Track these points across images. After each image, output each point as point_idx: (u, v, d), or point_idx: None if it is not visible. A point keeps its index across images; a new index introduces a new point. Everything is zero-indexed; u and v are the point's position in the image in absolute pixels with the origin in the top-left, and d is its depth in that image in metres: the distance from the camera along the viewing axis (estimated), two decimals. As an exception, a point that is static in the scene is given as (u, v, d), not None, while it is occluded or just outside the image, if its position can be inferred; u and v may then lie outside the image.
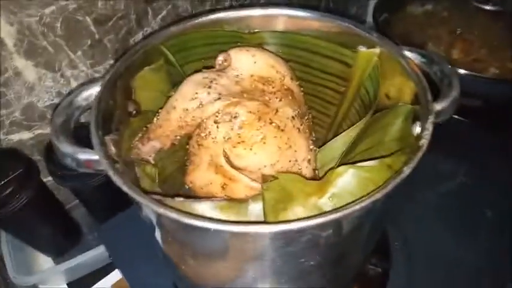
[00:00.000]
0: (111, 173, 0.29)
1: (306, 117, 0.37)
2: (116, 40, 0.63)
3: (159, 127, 0.36)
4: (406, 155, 0.30)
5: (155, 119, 0.36)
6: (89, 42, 0.61)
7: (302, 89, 0.41)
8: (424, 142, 0.29)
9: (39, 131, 0.64)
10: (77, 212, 0.72)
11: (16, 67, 0.57)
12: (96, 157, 0.31)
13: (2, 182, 0.54)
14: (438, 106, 0.33)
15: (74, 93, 0.37)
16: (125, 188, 0.28)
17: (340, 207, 0.25)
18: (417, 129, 0.32)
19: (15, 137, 0.62)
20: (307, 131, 0.37)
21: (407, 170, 0.27)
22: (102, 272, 0.64)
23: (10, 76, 0.57)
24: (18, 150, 0.61)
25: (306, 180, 0.30)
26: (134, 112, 0.36)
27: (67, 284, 0.64)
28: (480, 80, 0.58)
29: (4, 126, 0.60)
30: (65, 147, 0.32)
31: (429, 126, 0.30)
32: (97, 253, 0.59)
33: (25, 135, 0.63)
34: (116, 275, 0.63)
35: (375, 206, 0.29)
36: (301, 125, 0.36)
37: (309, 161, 0.36)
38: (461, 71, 0.55)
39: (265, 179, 0.30)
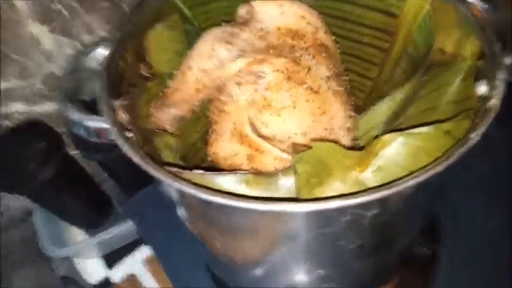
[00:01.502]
0: (120, 142, 0.25)
1: (343, 78, 0.32)
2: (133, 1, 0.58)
3: (175, 91, 0.32)
4: (470, 119, 0.24)
5: (170, 82, 0.32)
6: (106, 4, 0.57)
7: (338, 46, 0.35)
8: (495, 103, 0.23)
9: (63, 102, 0.62)
10: (108, 184, 0.71)
11: (32, 33, 0.54)
12: (105, 125, 0.28)
13: (29, 155, 0.53)
14: (508, 60, 0.27)
15: (80, 56, 0.33)
16: (135, 159, 0.24)
17: (388, 183, 0.21)
18: (482, 88, 0.26)
19: (39, 109, 0.61)
20: (344, 94, 0.31)
21: (475, 137, 0.22)
22: (135, 245, 0.63)
23: (27, 43, 0.55)
24: (41, 122, 0.59)
25: (346, 151, 0.25)
26: (148, 76, 0.32)
27: (100, 257, 0.64)
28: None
29: (27, 97, 0.59)
30: (73, 115, 0.29)
31: (499, 84, 0.24)
32: (129, 225, 0.58)
33: (49, 106, 0.61)
34: (147, 249, 0.62)
35: (430, 182, 0.24)
36: (337, 86, 0.30)
37: (347, 129, 0.31)
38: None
39: (296, 149, 0.25)
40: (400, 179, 0.21)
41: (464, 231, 0.44)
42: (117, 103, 0.27)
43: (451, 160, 0.21)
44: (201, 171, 0.27)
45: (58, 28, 0.56)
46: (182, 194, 0.26)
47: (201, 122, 0.39)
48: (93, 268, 0.62)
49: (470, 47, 0.29)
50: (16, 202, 0.67)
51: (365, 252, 0.28)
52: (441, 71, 0.29)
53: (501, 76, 0.24)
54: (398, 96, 0.31)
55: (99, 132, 0.30)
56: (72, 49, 0.59)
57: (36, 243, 0.65)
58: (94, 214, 0.66)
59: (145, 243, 0.56)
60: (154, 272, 0.58)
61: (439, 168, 0.21)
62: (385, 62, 0.36)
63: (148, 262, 0.60)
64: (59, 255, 0.59)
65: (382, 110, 0.32)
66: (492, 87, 0.24)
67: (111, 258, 0.63)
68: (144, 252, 0.61)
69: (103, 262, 0.63)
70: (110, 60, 0.30)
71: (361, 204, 0.21)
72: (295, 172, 0.25)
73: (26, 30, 0.54)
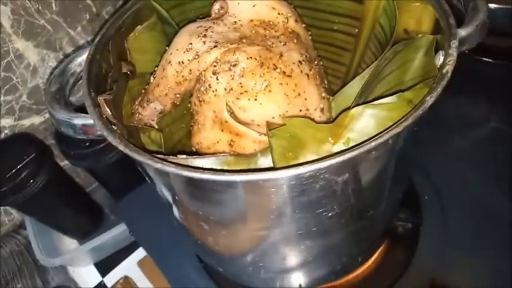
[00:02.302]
0: (105, 133, 0.27)
1: (315, 63, 0.34)
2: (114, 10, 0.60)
3: (156, 86, 0.33)
4: (429, 86, 0.26)
5: (151, 78, 0.34)
6: (88, 16, 0.59)
7: (310, 35, 0.37)
8: (449, 69, 0.25)
9: (50, 114, 0.63)
10: (98, 194, 0.72)
11: (17, 49, 0.56)
12: (91, 121, 0.29)
13: (18, 167, 0.54)
14: (463, 32, 0.29)
15: (66, 60, 0.35)
16: (121, 147, 0.26)
17: (355, 145, 0.23)
18: (440, 59, 0.29)
19: (26, 122, 0.62)
20: (317, 77, 0.33)
21: (430, 100, 0.24)
22: (128, 250, 0.64)
23: (12, 59, 0.56)
24: (30, 134, 0.61)
25: (317, 125, 0.27)
26: (130, 74, 0.33)
27: (94, 264, 0.64)
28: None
29: (14, 111, 0.60)
30: (60, 114, 0.31)
31: (453, 52, 0.26)
32: (120, 231, 0.59)
33: (36, 119, 0.63)
34: (141, 253, 0.63)
35: (395, 145, 0.26)
36: (310, 70, 0.32)
37: (321, 109, 0.33)
38: (492, 5, 0.50)
39: (271, 126, 0.27)
40: (365, 141, 0.23)
41: (444, 205, 0.45)
42: (101, 98, 0.29)
43: (409, 121, 0.23)
44: (184, 156, 0.29)
45: (42, 43, 0.58)
46: (168, 179, 0.27)
47: (185, 119, 0.40)
48: (88, 275, 0.63)
49: (429, 23, 0.31)
50: (6, 216, 0.67)
51: (345, 221, 0.30)
52: (404, 47, 0.31)
53: (454, 44, 0.27)
54: (366, 74, 0.33)
55: (86, 129, 0.31)
56: (56, 62, 0.60)
57: (30, 256, 0.65)
58: (85, 223, 0.67)
59: (137, 241, 0.56)
60: (148, 273, 0.59)
61: (398, 129, 0.23)
62: (356, 47, 0.38)
63: (142, 264, 0.60)
64: (53, 265, 0.59)
65: (354, 89, 0.34)
66: (447, 55, 0.26)
67: (105, 266, 0.63)
68: (137, 255, 0.62)
69: (97, 269, 0.63)
70: (92, 58, 0.32)
71: (330, 168, 0.22)
72: (271, 147, 0.26)
73: (11, 46, 0.55)
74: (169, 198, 0.31)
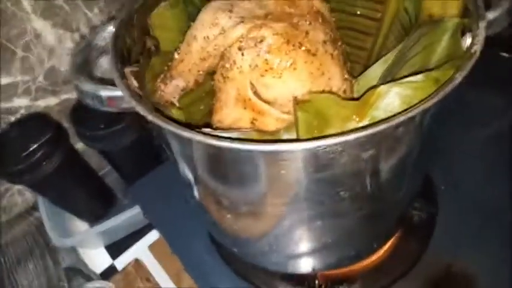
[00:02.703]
0: (133, 103, 0.27)
1: (339, 43, 0.34)
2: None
3: (180, 62, 0.33)
4: (456, 67, 0.26)
5: (176, 54, 0.34)
6: (105, -3, 0.59)
7: (333, 19, 0.37)
8: (477, 48, 0.26)
9: (65, 96, 0.64)
10: (110, 178, 0.72)
11: (35, 29, 0.56)
12: (118, 93, 0.30)
13: (34, 147, 0.55)
14: (490, 15, 0.29)
15: (91, 34, 0.35)
16: (149, 116, 0.26)
17: (382, 119, 0.23)
18: (467, 41, 0.29)
19: (41, 103, 0.62)
20: (340, 58, 0.33)
21: (459, 77, 0.24)
22: (139, 234, 0.64)
23: (31, 39, 0.57)
24: (47, 114, 0.61)
25: (343, 102, 0.27)
26: (154, 48, 0.34)
27: (105, 247, 0.65)
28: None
29: (30, 92, 0.60)
30: (85, 86, 0.31)
31: (482, 32, 0.27)
32: (131, 214, 0.59)
33: (51, 100, 0.63)
34: (152, 237, 0.63)
35: (421, 124, 0.26)
36: (334, 50, 0.32)
37: (344, 91, 0.33)
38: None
39: (297, 101, 0.27)
40: (393, 115, 0.23)
41: (459, 195, 0.45)
42: (127, 70, 0.29)
43: (436, 98, 0.23)
44: (208, 129, 0.29)
45: (60, 23, 0.58)
46: (192, 148, 0.28)
47: (204, 101, 0.41)
48: (98, 258, 0.63)
49: (455, 8, 0.31)
50: (18, 197, 0.68)
51: (361, 201, 0.30)
52: (430, 29, 0.31)
53: (483, 25, 0.27)
54: (390, 57, 0.33)
55: (110, 102, 0.31)
56: (73, 43, 0.61)
57: (41, 237, 0.66)
58: (97, 206, 0.67)
59: (150, 222, 0.57)
60: (159, 257, 0.59)
61: (427, 105, 0.23)
62: (378, 31, 0.38)
63: (153, 248, 0.61)
64: (64, 245, 0.60)
65: (377, 72, 0.34)
66: (475, 36, 0.26)
67: (116, 249, 0.64)
68: (148, 239, 0.62)
69: (108, 252, 0.64)
70: (117, 32, 0.32)
71: (356, 142, 0.22)
72: (297, 121, 0.26)
73: (30, 25, 0.56)
74: (190, 173, 0.32)
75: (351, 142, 0.23)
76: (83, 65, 0.33)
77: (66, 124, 0.64)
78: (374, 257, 0.43)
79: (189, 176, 0.32)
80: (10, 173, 0.53)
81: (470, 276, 0.41)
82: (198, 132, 0.24)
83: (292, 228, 0.33)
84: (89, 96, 0.31)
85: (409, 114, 0.23)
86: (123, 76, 0.29)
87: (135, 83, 0.29)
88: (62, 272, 0.63)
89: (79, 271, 0.62)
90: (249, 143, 0.23)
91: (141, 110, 0.26)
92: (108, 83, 0.31)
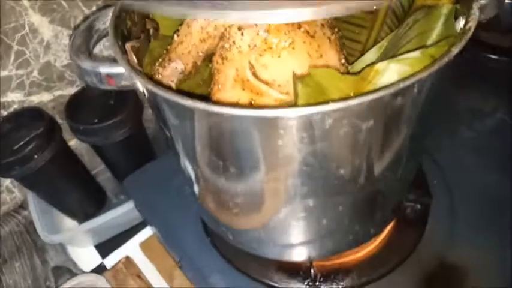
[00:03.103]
0: (134, 75, 0.27)
1: (335, 29, 0.35)
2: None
3: (179, 43, 0.34)
4: (451, 44, 0.27)
5: (175, 36, 0.35)
6: (103, -5, 0.60)
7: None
8: (472, 25, 0.26)
9: (59, 93, 0.64)
10: (101, 178, 0.72)
11: (32, 23, 0.56)
12: (117, 70, 0.30)
13: (25, 140, 0.54)
14: (482, 0, 0.30)
15: (91, 17, 0.36)
16: (150, 87, 0.26)
17: (383, 87, 0.23)
18: (461, 23, 0.30)
19: (35, 99, 0.62)
20: (338, 43, 0.34)
21: (455, 50, 0.25)
22: (129, 233, 0.63)
23: (27, 33, 0.57)
24: (40, 109, 0.61)
25: (342, 76, 0.28)
26: (154, 30, 0.34)
27: (94, 246, 0.63)
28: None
29: (24, 86, 0.60)
30: (85, 63, 0.31)
31: (475, 12, 0.28)
32: (121, 212, 0.59)
33: (45, 96, 0.63)
34: (142, 235, 0.62)
35: (419, 94, 0.27)
36: (331, 35, 0.33)
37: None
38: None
39: (296, 76, 0.28)
40: (392, 83, 0.23)
41: (452, 188, 0.46)
42: (128, 45, 0.29)
43: (433, 68, 0.24)
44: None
45: (57, 19, 0.58)
46: (191, 119, 0.28)
47: (201, 89, 0.41)
48: (87, 256, 0.62)
49: (449, -5, 0.32)
50: (7, 196, 0.67)
51: (360, 182, 0.30)
52: (424, 15, 0.32)
53: (476, 6, 0.28)
54: (384, 43, 0.34)
55: (109, 79, 0.31)
56: (68, 39, 0.61)
57: (29, 236, 0.65)
58: (87, 204, 0.66)
59: (143, 216, 0.56)
60: (150, 255, 0.58)
61: (424, 74, 0.23)
62: (373, 23, 0.39)
63: (144, 247, 0.60)
64: (53, 241, 0.59)
65: (372, 57, 0.34)
66: (469, 15, 0.27)
67: (106, 248, 0.63)
68: (139, 238, 0.62)
69: (97, 251, 0.63)
70: (118, 14, 0.32)
71: (354, 110, 0.23)
72: (296, 95, 0.27)
73: (27, 20, 0.56)
74: (188, 149, 0.32)
75: (348, 109, 0.23)
76: (82, 45, 0.33)
77: (59, 120, 0.63)
78: (369, 248, 0.43)
79: (186, 154, 0.32)
80: (1, 166, 0.53)
81: (463, 267, 0.42)
82: (197, 100, 0.25)
83: (289, 210, 0.33)
84: (88, 74, 0.31)
85: (407, 82, 0.23)
86: (123, 51, 0.29)
87: (135, 59, 0.29)
88: (50, 271, 0.61)
89: (67, 270, 0.61)
90: (249, 109, 0.24)
91: (141, 81, 0.27)
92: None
